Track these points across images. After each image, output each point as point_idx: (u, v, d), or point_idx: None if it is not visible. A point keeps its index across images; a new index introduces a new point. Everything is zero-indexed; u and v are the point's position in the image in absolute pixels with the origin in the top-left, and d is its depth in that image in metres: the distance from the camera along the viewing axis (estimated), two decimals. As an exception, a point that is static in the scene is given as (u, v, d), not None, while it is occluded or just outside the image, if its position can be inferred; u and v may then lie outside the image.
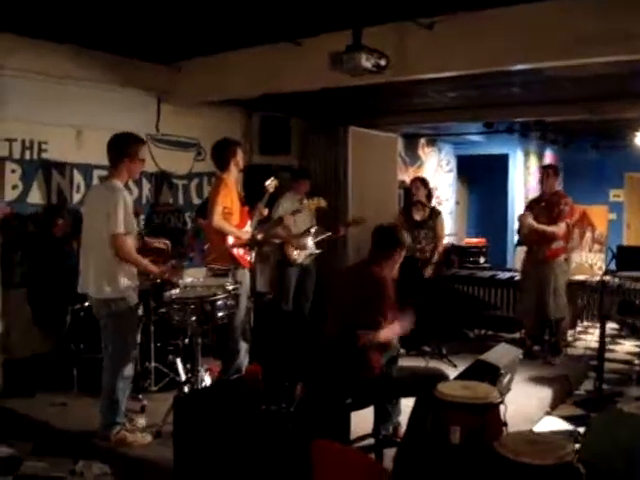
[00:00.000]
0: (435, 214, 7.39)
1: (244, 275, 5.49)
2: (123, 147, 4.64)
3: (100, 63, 6.49)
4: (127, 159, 4.63)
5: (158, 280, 5.58)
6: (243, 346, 5.53)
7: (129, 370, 4.69)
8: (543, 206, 6.72)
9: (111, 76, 6.62)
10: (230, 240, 5.46)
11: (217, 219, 5.36)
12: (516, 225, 7.57)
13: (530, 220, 6.54)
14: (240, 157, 5.62)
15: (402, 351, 5.00)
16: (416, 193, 7.35)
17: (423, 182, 7.57)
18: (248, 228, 5.68)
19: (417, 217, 7.26)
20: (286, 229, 6.93)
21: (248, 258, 5.55)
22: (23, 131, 6.13)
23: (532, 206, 6.97)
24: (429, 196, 7.53)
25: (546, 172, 6.86)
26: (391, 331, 4.25)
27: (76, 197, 6.61)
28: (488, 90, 7.44)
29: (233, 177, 5.62)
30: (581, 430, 5.25)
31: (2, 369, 5.73)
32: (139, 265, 4.66)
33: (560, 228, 6.64)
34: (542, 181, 6.88)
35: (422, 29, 5.30)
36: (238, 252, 5.40)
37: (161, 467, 4.27)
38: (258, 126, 8.64)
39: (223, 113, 8.00)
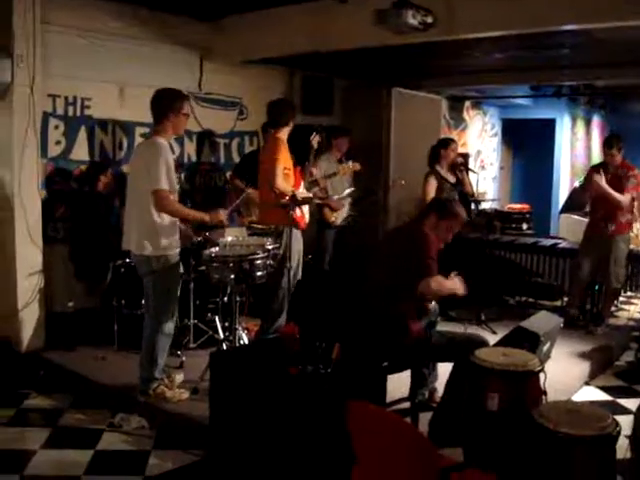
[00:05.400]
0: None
1: (297, 236, 5.44)
2: (167, 102, 4.58)
3: (143, 20, 6.48)
4: (172, 114, 4.57)
5: (199, 238, 5.60)
6: (285, 307, 5.53)
7: (170, 327, 4.72)
8: (610, 179, 6.49)
9: (154, 33, 6.61)
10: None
11: (280, 181, 5.28)
12: (562, 191, 7.39)
13: (603, 182, 6.35)
14: (294, 120, 5.59)
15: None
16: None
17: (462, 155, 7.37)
18: (302, 189, 5.63)
19: (451, 180, 7.10)
20: (322, 191, 6.88)
21: (305, 219, 5.53)
22: (67, 87, 6.17)
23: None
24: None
25: (610, 148, 6.50)
26: (450, 284, 4.18)
27: (119, 154, 6.66)
28: (536, 51, 7.23)
29: (286, 137, 5.56)
30: (621, 402, 5.21)
31: (44, 323, 5.83)
32: (187, 216, 4.66)
33: (626, 198, 6.46)
34: (607, 158, 6.60)
35: (470, -14, 5.16)
36: (296, 213, 5.33)
37: (197, 423, 4.33)
38: (300, 85, 8.56)
39: (265, 72, 7.93)
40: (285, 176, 5.35)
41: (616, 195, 6.38)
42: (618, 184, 6.43)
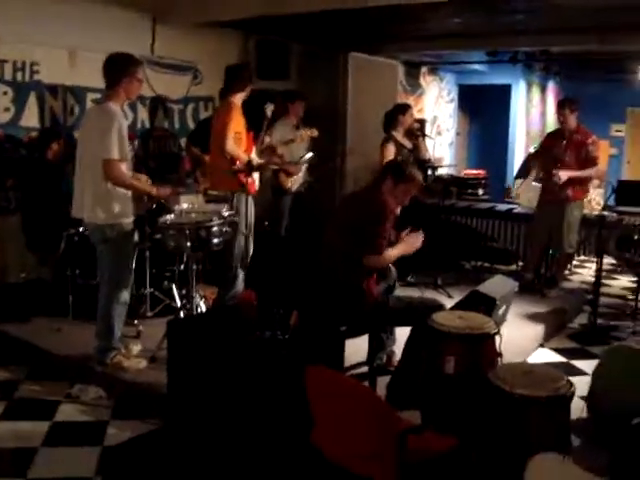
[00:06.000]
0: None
1: (249, 202, 5.41)
2: (121, 66, 4.47)
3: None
4: (125, 79, 4.46)
5: (154, 205, 5.51)
6: (240, 274, 5.51)
7: (125, 296, 4.66)
8: (566, 144, 6.54)
9: (105, -5, 6.41)
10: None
11: (230, 144, 5.23)
12: (518, 157, 7.45)
13: (566, 173, 6.40)
14: (250, 86, 5.52)
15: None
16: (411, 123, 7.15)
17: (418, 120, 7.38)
18: (253, 155, 5.58)
19: (408, 145, 7.10)
20: (281, 157, 6.83)
21: (255, 185, 5.49)
22: (15, 52, 5.98)
23: (550, 142, 6.79)
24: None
25: (562, 109, 6.56)
26: (400, 249, 4.26)
27: (70, 120, 6.49)
28: (493, 17, 7.23)
29: (240, 102, 5.50)
30: (575, 363, 5.33)
31: (-3, 294, 5.72)
32: (134, 189, 4.56)
33: (597, 171, 6.60)
34: (560, 119, 6.65)
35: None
36: (247, 178, 5.29)
37: (155, 392, 4.30)
38: (255, 49, 8.42)
39: (220, 36, 7.78)
40: (237, 140, 5.30)
41: (586, 173, 6.48)
42: (574, 149, 6.49)
